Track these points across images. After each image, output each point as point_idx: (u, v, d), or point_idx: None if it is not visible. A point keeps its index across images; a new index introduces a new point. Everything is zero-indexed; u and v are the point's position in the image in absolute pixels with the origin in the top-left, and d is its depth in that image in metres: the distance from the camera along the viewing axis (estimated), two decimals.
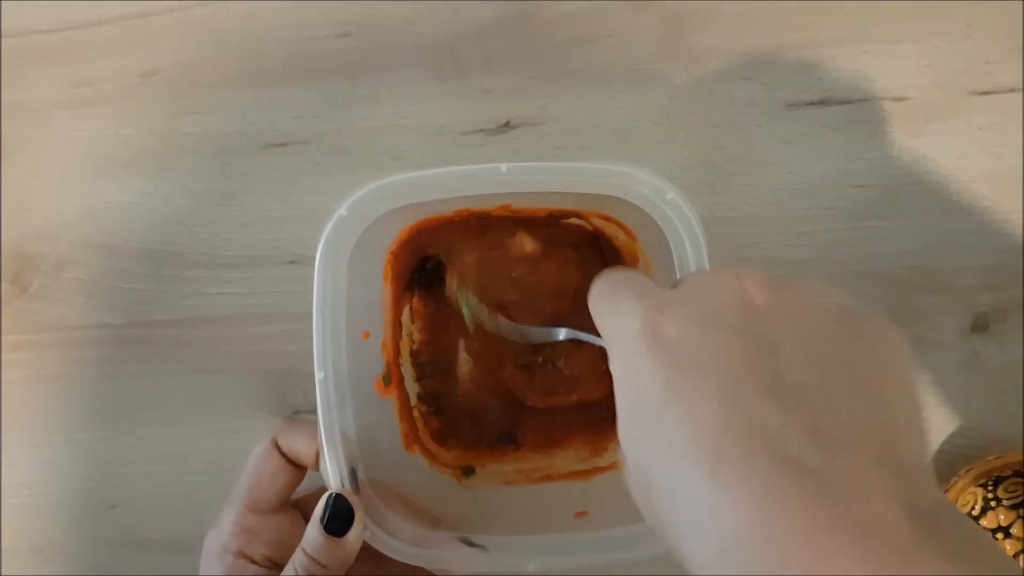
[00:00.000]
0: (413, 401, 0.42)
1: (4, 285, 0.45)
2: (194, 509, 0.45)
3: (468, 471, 0.41)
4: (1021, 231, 0.44)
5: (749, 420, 0.22)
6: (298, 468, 0.37)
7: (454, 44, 0.45)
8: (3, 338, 0.45)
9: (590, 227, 0.42)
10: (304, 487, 0.38)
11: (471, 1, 0.45)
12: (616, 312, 0.26)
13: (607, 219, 0.40)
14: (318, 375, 0.34)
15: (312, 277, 0.45)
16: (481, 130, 0.45)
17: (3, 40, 0.46)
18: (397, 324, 0.42)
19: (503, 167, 0.34)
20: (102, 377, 0.45)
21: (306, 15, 0.45)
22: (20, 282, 0.45)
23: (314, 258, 0.45)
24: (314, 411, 0.45)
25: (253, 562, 0.36)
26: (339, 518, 0.33)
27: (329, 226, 0.34)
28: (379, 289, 0.40)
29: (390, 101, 0.45)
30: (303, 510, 0.38)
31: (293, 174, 0.45)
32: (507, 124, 0.45)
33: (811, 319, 0.24)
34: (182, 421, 0.45)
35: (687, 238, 0.34)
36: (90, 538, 0.45)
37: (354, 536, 0.33)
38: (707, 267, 0.33)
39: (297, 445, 0.36)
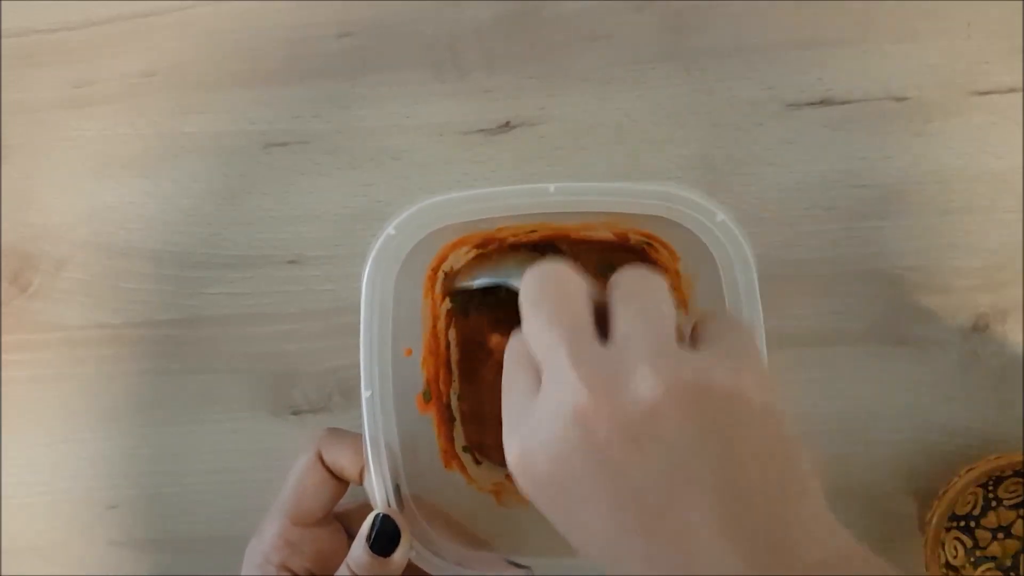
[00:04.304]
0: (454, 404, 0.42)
1: (4, 285, 0.45)
2: (194, 509, 0.45)
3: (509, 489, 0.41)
4: (1021, 231, 0.44)
5: None
6: (341, 482, 0.36)
7: (454, 44, 0.45)
8: (3, 338, 0.45)
9: (634, 246, 0.41)
10: (347, 499, 0.37)
11: (471, 1, 0.45)
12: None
13: (648, 237, 0.40)
14: (365, 393, 0.34)
15: (312, 278, 0.45)
16: (481, 130, 0.45)
17: (3, 40, 0.46)
18: (436, 341, 0.42)
19: (551, 187, 0.34)
20: (102, 377, 0.45)
21: (306, 15, 0.45)
22: (20, 282, 0.45)
23: (315, 258, 0.45)
24: (317, 411, 0.45)
25: (295, 575, 0.35)
26: (386, 538, 0.33)
27: (377, 245, 0.34)
28: (420, 306, 0.40)
29: (390, 101, 0.45)
30: (345, 523, 0.38)
31: (293, 174, 0.45)
32: (507, 124, 0.45)
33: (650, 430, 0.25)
34: (182, 421, 0.45)
35: (736, 260, 0.33)
36: (90, 538, 0.45)
37: (400, 556, 0.33)
38: (756, 288, 0.34)
39: (341, 460, 0.35)
